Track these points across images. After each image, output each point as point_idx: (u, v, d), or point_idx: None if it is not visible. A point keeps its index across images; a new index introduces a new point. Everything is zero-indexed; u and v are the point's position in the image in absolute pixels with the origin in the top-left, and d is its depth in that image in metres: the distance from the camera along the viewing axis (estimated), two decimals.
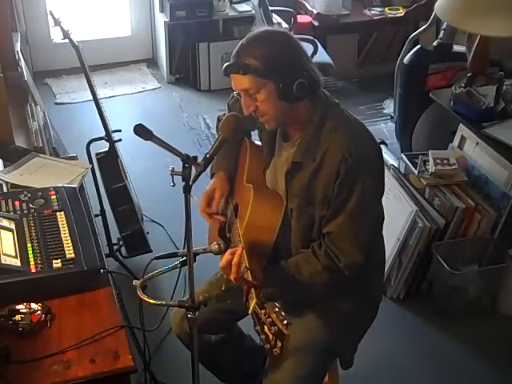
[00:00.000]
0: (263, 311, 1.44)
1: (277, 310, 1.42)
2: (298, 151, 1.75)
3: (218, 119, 2.05)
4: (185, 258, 1.63)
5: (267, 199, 1.85)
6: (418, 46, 3.70)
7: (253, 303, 1.49)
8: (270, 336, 1.40)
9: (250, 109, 1.72)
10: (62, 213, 1.98)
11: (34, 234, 1.88)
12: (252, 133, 2.06)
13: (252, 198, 1.81)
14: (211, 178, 2.02)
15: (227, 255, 1.72)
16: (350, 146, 1.67)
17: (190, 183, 1.49)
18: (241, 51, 1.67)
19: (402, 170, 3.22)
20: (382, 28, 5.17)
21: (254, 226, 1.79)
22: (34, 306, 1.70)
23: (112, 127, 2.93)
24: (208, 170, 1.61)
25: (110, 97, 4.85)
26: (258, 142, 2.00)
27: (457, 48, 3.62)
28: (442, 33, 3.60)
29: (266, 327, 1.42)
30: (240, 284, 1.64)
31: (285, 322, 1.38)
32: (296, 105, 1.71)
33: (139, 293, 1.62)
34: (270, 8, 4.32)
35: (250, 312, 1.50)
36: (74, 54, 2.76)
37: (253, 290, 1.53)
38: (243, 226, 1.80)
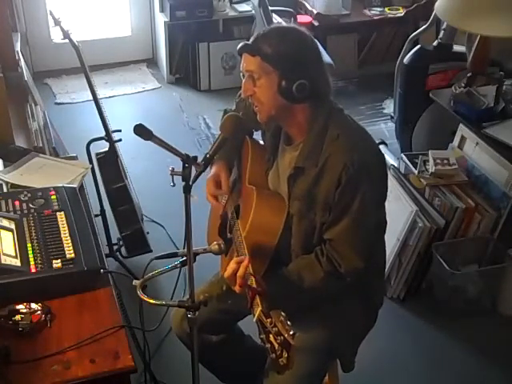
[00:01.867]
0: (269, 320, 1.42)
1: (282, 319, 1.40)
2: (301, 156, 1.75)
3: (225, 111, 2.05)
4: (185, 258, 1.63)
5: (270, 201, 1.85)
6: (418, 46, 3.70)
7: (258, 311, 1.47)
8: (276, 346, 1.38)
9: (248, 92, 1.73)
10: (62, 213, 1.97)
11: (34, 234, 1.88)
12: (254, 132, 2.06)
13: (255, 200, 1.81)
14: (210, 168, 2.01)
15: (233, 265, 1.69)
16: (352, 154, 1.67)
17: (190, 183, 1.49)
18: (260, 36, 1.70)
19: (402, 170, 3.22)
20: (382, 28, 5.17)
21: (256, 228, 1.78)
22: (34, 306, 1.70)
23: (112, 127, 2.93)
24: (208, 170, 1.61)
25: (110, 97, 4.85)
26: (261, 141, 2.00)
27: (457, 48, 3.62)
28: (442, 33, 3.60)
29: (271, 336, 1.40)
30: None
31: (291, 332, 1.37)
32: (294, 106, 1.71)
33: (139, 293, 1.62)
34: (270, 8, 4.32)
35: (254, 320, 1.49)
36: (74, 53, 2.76)
37: (257, 296, 1.52)
38: (246, 228, 1.79)
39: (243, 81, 1.74)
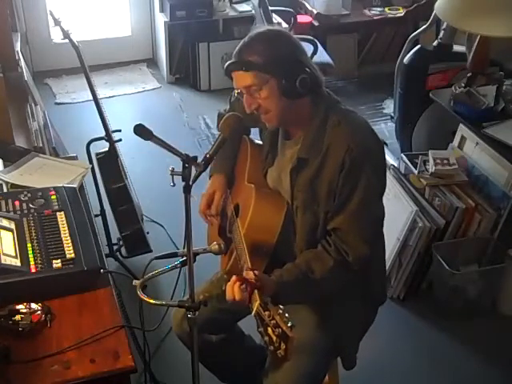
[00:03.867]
0: (267, 313, 1.42)
1: (280, 311, 1.41)
2: (303, 148, 1.75)
3: (219, 116, 2.04)
4: (185, 258, 1.63)
5: (269, 199, 1.85)
6: (418, 46, 3.70)
7: (256, 304, 1.47)
8: (274, 338, 1.39)
9: (252, 107, 1.72)
10: (62, 213, 1.97)
11: (34, 234, 1.88)
12: (252, 130, 2.05)
13: (254, 199, 1.81)
14: (209, 179, 2.02)
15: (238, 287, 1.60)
16: (355, 137, 1.68)
17: (190, 183, 1.49)
18: (243, 49, 1.68)
19: (402, 170, 3.23)
20: (382, 28, 5.17)
21: (256, 227, 1.78)
22: (34, 306, 1.70)
23: (112, 127, 2.93)
24: (208, 169, 1.61)
25: (110, 97, 4.85)
26: (259, 141, 2.00)
27: (457, 48, 3.62)
28: (442, 33, 3.60)
29: (269, 329, 1.40)
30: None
31: (289, 324, 1.37)
32: (297, 102, 1.71)
33: (139, 293, 1.62)
34: (270, 8, 4.32)
35: (252, 314, 1.49)
36: (74, 53, 2.76)
37: (256, 291, 1.52)
38: (245, 226, 1.79)
39: (244, 98, 1.72)
